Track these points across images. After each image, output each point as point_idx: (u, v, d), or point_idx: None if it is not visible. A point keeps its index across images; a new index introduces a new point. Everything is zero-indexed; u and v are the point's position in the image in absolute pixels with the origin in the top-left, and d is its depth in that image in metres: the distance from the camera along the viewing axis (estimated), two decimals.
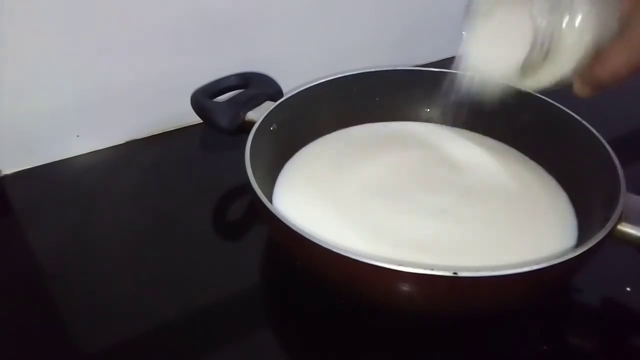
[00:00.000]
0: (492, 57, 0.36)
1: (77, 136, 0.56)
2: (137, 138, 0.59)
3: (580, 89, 0.35)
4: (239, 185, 0.51)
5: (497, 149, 0.51)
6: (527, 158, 0.50)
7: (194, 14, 0.55)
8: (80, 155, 0.56)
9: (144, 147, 0.58)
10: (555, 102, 0.48)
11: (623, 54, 0.32)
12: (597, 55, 0.33)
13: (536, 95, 0.48)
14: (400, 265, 0.31)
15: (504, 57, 0.35)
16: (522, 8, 0.33)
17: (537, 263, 0.32)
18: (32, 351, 0.38)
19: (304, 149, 0.51)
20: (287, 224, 0.35)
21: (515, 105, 0.50)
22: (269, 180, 0.46)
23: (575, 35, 0.32)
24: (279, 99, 0.49)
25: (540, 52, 0.33)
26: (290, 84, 0.51)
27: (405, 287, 0.34)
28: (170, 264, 0.45)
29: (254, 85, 0.52)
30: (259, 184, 0.38)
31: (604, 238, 0.34)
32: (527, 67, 0.34)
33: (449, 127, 0.54)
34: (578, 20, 0.32)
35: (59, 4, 0.48)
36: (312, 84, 0.50)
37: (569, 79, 0.35)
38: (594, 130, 0.44)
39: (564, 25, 0.32)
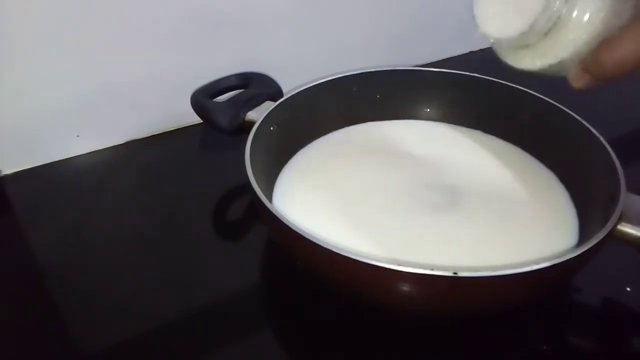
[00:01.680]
0: (497, 21, 0.35)
1: (77, 136, 0.56)
2: (137, 138, 0.59)
3: (578, 77, 0.33)
4: (239, 185, 0.51)
5: (497, 148, 0.51)
6: (528, 156, 0.50)
7: (193, 13, 0.55)
8: (80, 155, 0.56)
9: (144, 147, 0.58)
10: (555, 102, 0.48)
11: (631, 43, 0.31)
12: (604, 41, 0.31)
13: (537, 95, 0.49)
14: (400, 265, 0.31)
15: (508, 21, 0.33)
16: None
17: (537, 263, 0.32)
18: (32, 351, 0.38)
19: (304, 149, 0.51)
20: (287, 224, 0.35)
21: (515, 104, 0.50)
22: (269, 180, 0.46)
23: (586, 14, 0.31)
24: (279, 99, 0.49)
25: (548, 22, 0.32)
26: (290, 84, 0.51)
27: (405, 287, 0.34)
28: (170, 264, 0.45)
29: (254, 85, 0.52)
30: (259, 184, 0.38)
31: (604, 238, 0.34)
32: (530, 39, 0.33)
33: (450, 126, 0.54)
34: (589, 1, 0.31)
35: (59, 4, 0.48)
36: (312, 84, 0.50)
37: (567, 64, 0.33)
38: (594, 130, 0.44)
39: (577, 2, 0.31)
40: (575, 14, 0.32)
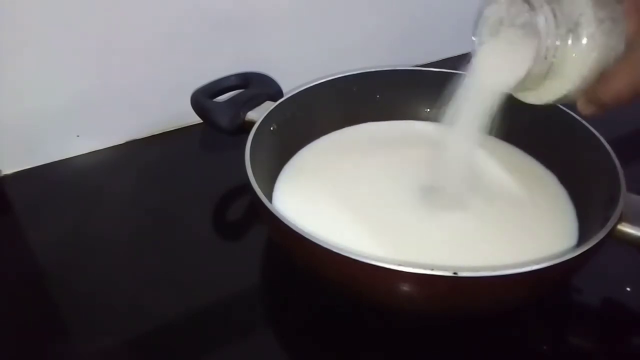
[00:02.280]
0: (496, 68, 0.36)
1: (77, 136, 0.56)
2: (137, 138, 0.59)
3: (584, 108, 0.34)
4: (239, 185, 0.51)
5: (497, 148, 0.51)
6: (528, 156, 0.50)
7: (193, 14, 0.55)
8: (80, 155, 0.56)
9: (144, 147, 0.58)
10: None
11: (626, 75, 0.32)
12: (601, 75, 0.33)
13: None
14: (400, 265, 0.31)
15: (507, 68, 0.35)
16: (529, 21, 0.33)
17: (537, 263, 0.32)
18: (32, 351, 0.38)
19: (304, 149, 0.51)
20: (287, 224, 0.35)
21: (515, 104, 0.50)
22: (269, 180, 0.46)
23: (581, 53, 0.32)
24: (279, 99, 0.49)
25: (544, 66, 0.33)
26: (290, 84, 0.51)
27: (405, 287, 0.34)
28: (170, 264, 0.45)
29: (254, 85, 0.52)
30: (259, 184, 0.38)
31: (604, 238, 0.34)
32: (530, 81, 0.34)
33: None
34: (584, 38, 0.32)
35: (59, 4, 0.48)
36: (312, 84, 0.50)
37: (572, 97, 0.34)
38: (594, 130, 0.44)
39: (569, 42, 0.32)
40: (568, 58, 0.32)
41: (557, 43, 0.32)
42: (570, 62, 0.33)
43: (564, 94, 0.34)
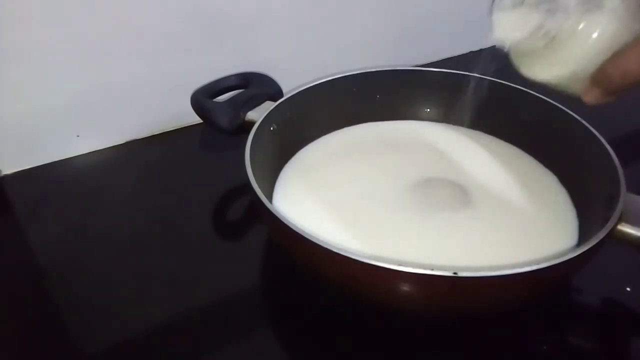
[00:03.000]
0: (511, 22, 0.35)
1: (77, 136, 0.56)
2: (137, 138, 0.59)
3: (588, 91, 0.34)
4: (239, 185, 0.51)
5: (497, 148, 0.51)
6: (528, 156, 0.50)
7: (194, 14, 0.55)
8: (80, 155, 0.56)
9: (144, 147, 0.58)
10: (556, 102, 0.48)
11: (638, 54, 0.31)
12: (612, 54, 0.32)
13: (537, 95, 0.49)
14: (400, 265, 0.31)
15: (518, 25, 0.34)
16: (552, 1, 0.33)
17: (537, 263, 0.32)
18: (32, 351, 0.38)
19: (303, 149, 0.51)
20: (287, 224, 0.35)
21: (516, 104, 0.50)
22: (269, 180, 0.46)
23: (596, 29, 0.32)
24: (279, 99, 0.49)
25: (552, 28, 0.32)
26: (290, 84, 0.51)
27: (405, 287, 0.34)
28: (171, 264, 0.45)
29: (254, 85, 0.52)
30: (259, 184, 0.38)
31: (604, 238, 0.34)
32: (542, 38, 0.33)
33: (450, 126, 0.54)
34: (606, 9, 0.31)
35: (59, 4, 0.48)
36: (312, 84, 0.50)
37: (578, 76, 0.34)
38: (594, 130, 0.44)
39: (586, 13, 0.32)
40: (582, 26, 0.32)
41: (573, 12, 0.32)
42: (583, 36, 0.32)
43: (570, 69, 0.33)
